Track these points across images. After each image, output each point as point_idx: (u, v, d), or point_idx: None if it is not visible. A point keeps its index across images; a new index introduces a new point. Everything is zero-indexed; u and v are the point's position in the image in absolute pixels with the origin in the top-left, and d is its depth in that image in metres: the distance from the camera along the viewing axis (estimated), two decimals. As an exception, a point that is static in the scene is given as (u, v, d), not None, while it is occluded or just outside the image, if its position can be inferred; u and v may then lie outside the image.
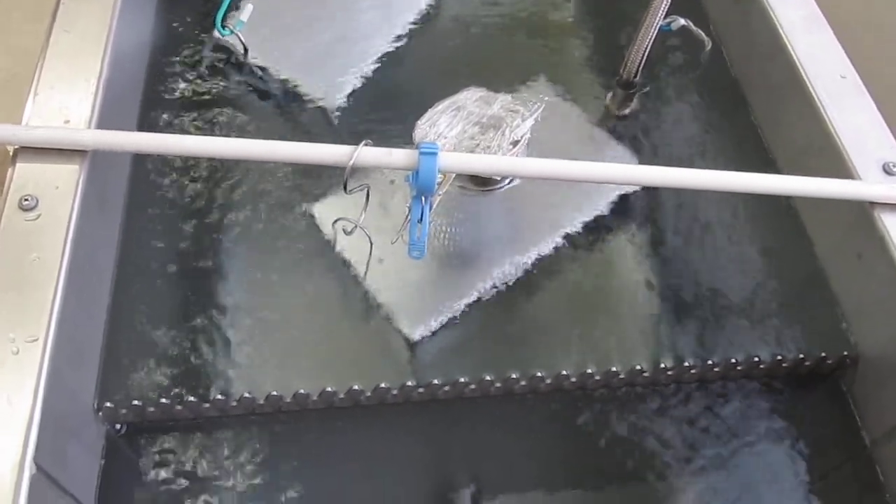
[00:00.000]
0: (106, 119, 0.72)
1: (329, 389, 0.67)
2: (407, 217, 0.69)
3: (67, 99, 0.72)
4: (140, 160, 0.79)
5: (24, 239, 0.63)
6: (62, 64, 0.75)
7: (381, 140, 0.81)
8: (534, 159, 0.70)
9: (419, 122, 0.76)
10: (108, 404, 0.66)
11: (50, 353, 0.58)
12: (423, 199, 0.67)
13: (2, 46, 1.86)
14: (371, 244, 0.74)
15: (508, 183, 0.79)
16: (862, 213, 0.72)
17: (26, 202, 0.65)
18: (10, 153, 0.69)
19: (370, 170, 0.76)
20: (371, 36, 0.92)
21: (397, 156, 0.66)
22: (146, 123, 0.83)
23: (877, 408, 0.71)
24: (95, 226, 0.69)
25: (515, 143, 0.75)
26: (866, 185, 0.71)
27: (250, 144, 0.68)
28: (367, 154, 0.66)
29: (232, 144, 0.68)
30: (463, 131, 0.75)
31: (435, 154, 0.65)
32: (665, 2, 0.78)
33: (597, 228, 0.78)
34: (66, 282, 0.62)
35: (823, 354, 0.72)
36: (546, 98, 0.79)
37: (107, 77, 0.75)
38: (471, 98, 0.78)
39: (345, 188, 0.67)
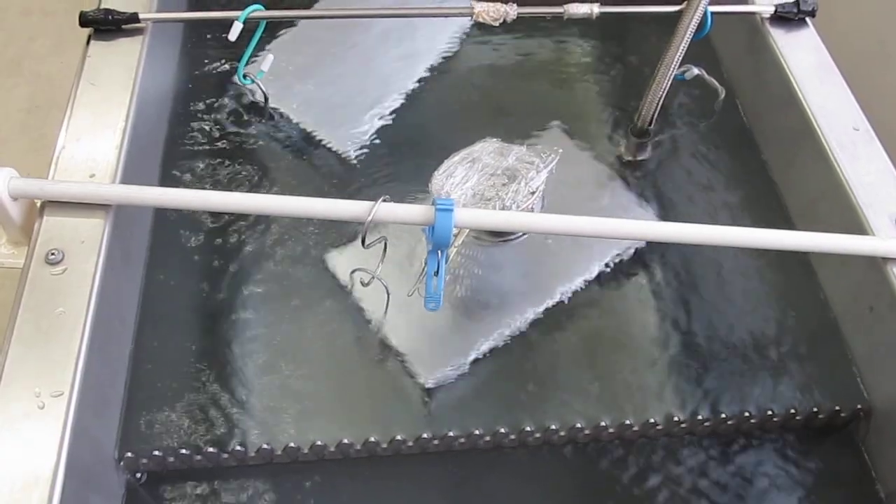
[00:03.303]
0: (130, 170, 0.74)
1: (345, 441, 0.68)
2: (423, 269, 0.71)
3: (93, 152, 0.74)
4: (162, 212, 0.81)
5: (50, 293, 0.65)
6: (88, 116, 0.77)
7: (399, 187, 0.83)
8: (548, 215, 0.71)
9: (436, 173, 0.78)
10: (129, 454, 0.67)
11: (75, 407, 0.60)
12: (440, 252, 0.69)
13: (26, 74, 1.91)
14: (388, 295, 0.75)
15: (523, 234, 0.80)
16: (874, 266, 0.72)
17: (52, 256, 0.66)
18: (38, 205, 0.71)
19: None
20: (389, 85, 0.94)
21: (414, 212, 0.67)
22: (169, 173, 0.84)
23: (891, 461, 0.71)
24: (119, 278, 0.70)
25: (531, 195, 0.77)
26: (879, 241, 0.71)
27: (270, 200, 0.70)
28: (384, 210, 0.67)
29: (251, 200, 0.70)
30: (479, 183, 0.77)
31: (451, 210, 0.66)
32: (680, 52, 0.79)
33: (610, 280, 0.79)
34: (90, 336, 0.63)
35: (837, 408, 0.72)
36: (560, 149, 0.80)
37: (131, 129, 0.77)
38: (486, 150, 0.79)
39: (363, 243, 0.69)
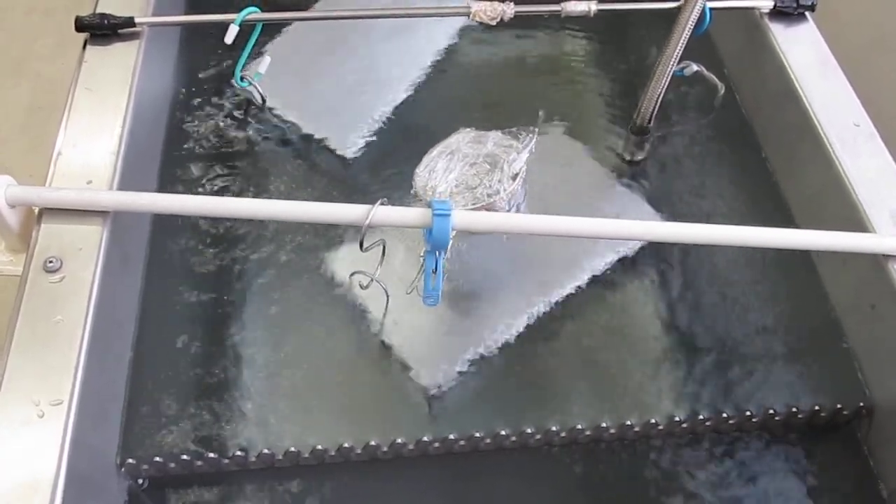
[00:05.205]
0: (127, 176, 0.74)
1: (346, 445, 0.68)
2: (421, 268, 0.70)
3: (90, 158, 0.74)
4: (160, 217, 0.81)
5: (48, 301, 0.65)
6: (84, 122, 0.77)
7: (397, 185, 0.82)
8: (547, 217, 0.71)
9: (417, 169, 0.77)
10: (130, 460, 0.67)
11: (74, 415, 0.60)
12: (437, 252, 0.68)
13: (27, 74, 1.91)
14: (388, 297, 0.75)
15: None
16: (876, 264, 0.72)
17: (51, 264, 0.66)
18: (36, 212, 0.71)
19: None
20: (387, 85, 0.93)
21: (412, 215, 0.67)
22: (167, 177, 0.84)
23: (893, 459, 0.71)
24: (117, 285, 0.70)
25: (514, 178, 0.76)
26: (880, 239, 0.71)
27: (268, 205, 0.69)
28: (382, 213, 0.67)
29: (250, 205, 0.69)
30: (461, 173, 0.76)
31: (448, 215, 0.66)
32: (679, 48, 0.79)
33: (609, 278, 0.79)
34: (89, 343, 0.63)
35: (839, 406, 0.72)
36: (536, 129, 0.79)
37: (128, 134, 0.77)
38: (463, 140, 0.79)
39: (361, 247, 0.68)
